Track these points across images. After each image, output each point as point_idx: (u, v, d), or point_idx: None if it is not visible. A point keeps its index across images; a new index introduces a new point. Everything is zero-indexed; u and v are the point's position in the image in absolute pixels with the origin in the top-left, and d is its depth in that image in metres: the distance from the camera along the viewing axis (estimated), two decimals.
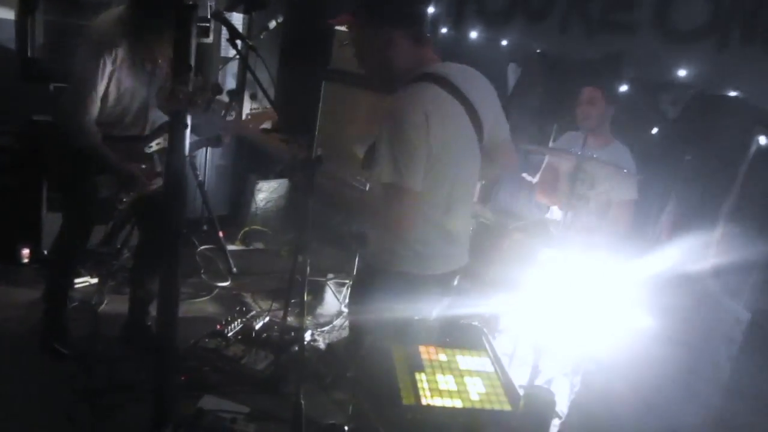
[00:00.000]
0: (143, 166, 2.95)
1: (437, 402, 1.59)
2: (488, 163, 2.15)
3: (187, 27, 2.00)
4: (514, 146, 2.27)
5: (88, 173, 2.82)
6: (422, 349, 1.78)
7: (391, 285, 2.03)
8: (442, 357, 1.77)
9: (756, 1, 3.32)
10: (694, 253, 2.82)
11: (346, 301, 3.86)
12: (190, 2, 1.97)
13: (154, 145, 2.97)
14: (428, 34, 2.06)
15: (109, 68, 2.66)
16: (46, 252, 3.80)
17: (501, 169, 2.30)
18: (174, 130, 2.12)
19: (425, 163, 1.87)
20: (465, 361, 1.78)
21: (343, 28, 4.22)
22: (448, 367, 1.73)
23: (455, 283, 2.21)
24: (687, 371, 2.76)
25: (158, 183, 2.99)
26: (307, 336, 3.54)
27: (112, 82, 2.71)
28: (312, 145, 1.98)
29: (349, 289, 3.84)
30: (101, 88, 2.68)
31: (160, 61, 2.82)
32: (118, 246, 3.91)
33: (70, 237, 3.06)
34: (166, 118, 2.89)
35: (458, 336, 1.89)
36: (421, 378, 1.66)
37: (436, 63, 2.03)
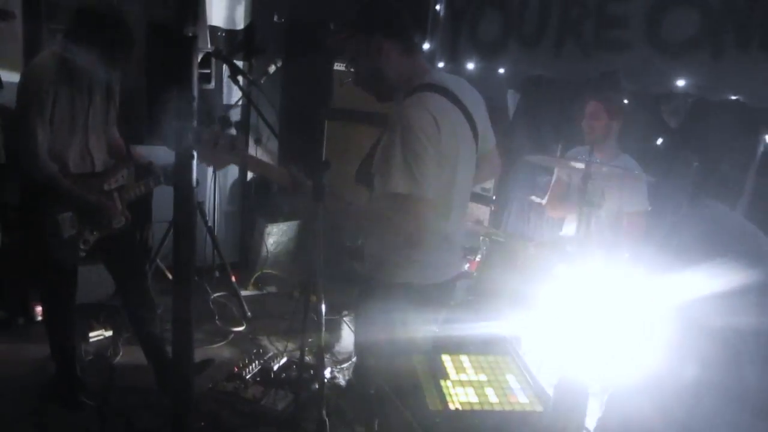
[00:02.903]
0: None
1: (465, 406, 1.55)
2: (477, 169, 2.17)
3: (189, 59, 2.02)
4: (497, 152, 2.30)
5: (47, 211, 2.76)
6: (445, 357, 1.74)
7: (394, 297, 2.00)
8: (467, 363, 1.73)
9: (747, 5, 3.36)
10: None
11: None
12: (190, 34, 2.00)
13: (113, 183, 2.94)
14: (418, 44, 2.10)
15: (51, 97, 2.69)
16: None
17: (488, 174, 2.32)
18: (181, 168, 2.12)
19: (435, 171, 1.87)
20: (491, 365, 1.73)
21: (342, 68, 4.31)
22: (474, 373, 1.69)
23: (456, 292, 2.18)
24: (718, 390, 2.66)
25: (122, 222, 2.95)
26: (327, 373, 3.47)
27: (53, 112, 2.72)
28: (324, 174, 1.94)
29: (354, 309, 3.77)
30: (47, 114, 2.69)
31: (97, 95, 2.87)
32: None
33: (52, 289, 2.99)
34: (102, 149, 2.92)
35: (482, 345, 1.86)
36: (447, 385, 1.62)
37: (431, 72, 2.06)
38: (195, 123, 1.89)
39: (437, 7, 4.95)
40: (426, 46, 4.98)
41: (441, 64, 4.96)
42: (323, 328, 2.17)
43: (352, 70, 2.07)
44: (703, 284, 2.07)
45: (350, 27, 2.02)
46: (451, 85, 2.00)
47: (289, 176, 1.99)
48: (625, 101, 3.71)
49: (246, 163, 2.00)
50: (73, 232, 2.82)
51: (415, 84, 1.98)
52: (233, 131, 1.83)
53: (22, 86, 2.78)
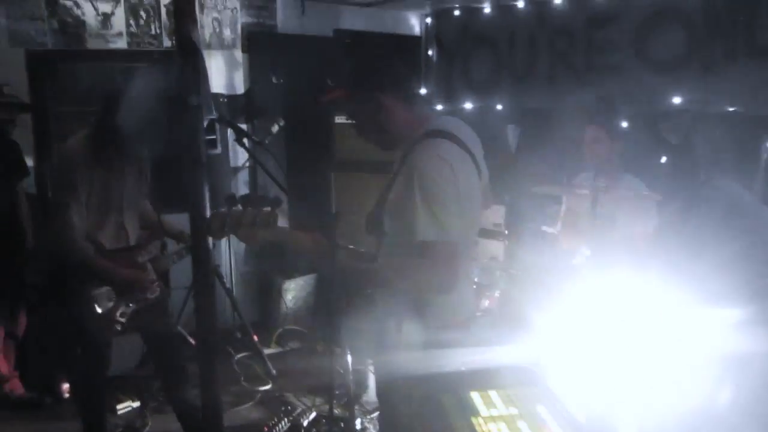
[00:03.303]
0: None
1: None
2: None
3: (195, 126, 2.10)
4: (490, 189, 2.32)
5: (83, 289, 2.80)
6: (474, 394, 1.74)
7: (417, 338, 1.98)
8: (496, 397, 1.72)
9: (728, 17, 3.44)
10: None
11: None
12: (195, 103, 2.07)
13: (147, 255, 2.99)
14: (416, 93, 2.12)
15: (85, 182, 2.75)
16: None
17: (483, 208, 2.33)
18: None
19: (457, 214, 1.89)
20: (520, 397, 1.72)
21: (343, 120, 4.39)
22: (505, 407, 1.68)
23: (478, 328, 2.17)
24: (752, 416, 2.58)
25: (156, 291, 2.98)
26: (358, 424, 3.44)
27: (88, 193, 2.78)
28: (335, 226, 1.95)
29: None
30: (83, 199, 2.75)
31: (130, 173, 2.93)
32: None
33: (85, 364, 3.00)
34: (136, 223, 3.00)
35: (509, 378, 1.85)
36: (479, 422, 1.61)
37: (435, 119, 2.10)
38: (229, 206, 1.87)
39: (429, 52, 5.07)
40: (423, 90, 5.08)
41: (439, 107, 5.05)
42: (351, 379, 2.16)
43: (353, 123, 2.11)
44: (732, 315, 2.07)
45: (346, 87, 2.04)
46: (455, 130, 2.04)
47: (321, 242, 1.92)
48: (624, 123, 3.76)
49: (281, 238, 2.00)
50: (110, 306, 2.85)
51: (421, 131, 2.00)
52: (268, 208, 1.84)
53: (56, 172, 2.85)
